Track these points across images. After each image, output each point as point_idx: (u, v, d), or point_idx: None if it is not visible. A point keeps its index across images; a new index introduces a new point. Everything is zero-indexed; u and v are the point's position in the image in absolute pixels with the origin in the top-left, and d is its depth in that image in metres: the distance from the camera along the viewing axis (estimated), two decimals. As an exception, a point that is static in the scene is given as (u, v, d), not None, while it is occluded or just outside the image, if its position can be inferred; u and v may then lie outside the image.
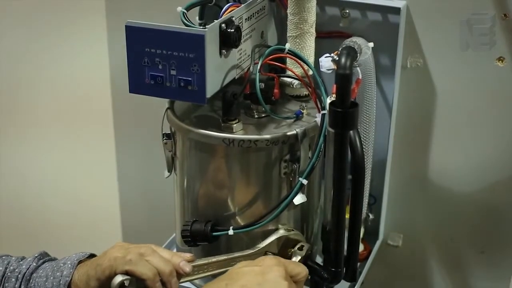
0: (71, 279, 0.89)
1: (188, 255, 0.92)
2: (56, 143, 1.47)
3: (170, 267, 0.88)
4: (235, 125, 0.97)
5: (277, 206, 0.96)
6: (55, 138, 1.47)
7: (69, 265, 0.91)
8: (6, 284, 0.91)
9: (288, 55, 0.99)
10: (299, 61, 0.99)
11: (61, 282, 0.89)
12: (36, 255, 0.95)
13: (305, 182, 0.95)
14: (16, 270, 0.92)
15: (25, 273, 0.92)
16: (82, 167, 1.52)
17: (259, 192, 1.00)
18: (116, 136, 1.46)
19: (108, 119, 1.45)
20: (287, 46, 0.99)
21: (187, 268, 0.90)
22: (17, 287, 0.91)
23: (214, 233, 0.99)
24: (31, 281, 0.91)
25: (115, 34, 1.34)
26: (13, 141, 1.42)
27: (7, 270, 0.92)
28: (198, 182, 1.02)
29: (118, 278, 0.87)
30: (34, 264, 0.93)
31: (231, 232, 0.97)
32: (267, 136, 0.95)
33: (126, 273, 0.87)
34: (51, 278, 0.90)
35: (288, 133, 0.96)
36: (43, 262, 0.94)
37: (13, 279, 0.91)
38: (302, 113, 1.01)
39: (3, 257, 0.94)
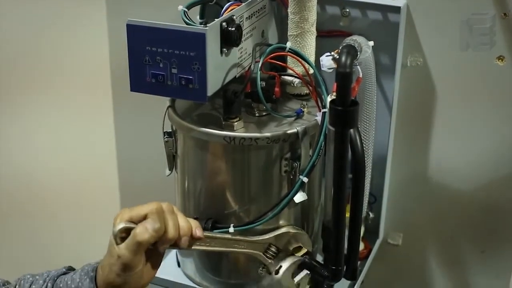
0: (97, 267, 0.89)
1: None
2: (56, 137, 1.47)
3: (188, 224, 0.88)
4: (236, 123, 0.97)
5: (278, 204, 0.96)
6: (54, 136, 1.47)
7: (98, 261, 0.90)
8: (34, 287, 0.91)
9: (289, 53, 0.99)
10: (300, 59, 0.99)
11: (88, 270, 0.89)
12: (66, 266, 0.95)
13: (305, 180, 0.95)
14: (45, 274, 0.93)
15: (53, 275, 0.92)
16: (82, 167, 1.52)
17: (259, 190, 1.00)
18: (117, 135, 1.47)
19: (109, 118, 1.45)
20: (288, 44, 0.99)
21: (199, 232, 0.89)
22: (43, 286, 0.91)
23: (215, 231, 0.99)
24: (57, 280, 0.91)
25: (116, 32, 1.34)
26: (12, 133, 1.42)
27: (37, 275, 0.93)
28: (199, 180, 1.02)
29: (120, 225, 0.84)
30: (64, 269, 0.94)
31: (231, 229, 0.98)
32: (268, 134, 0.96)
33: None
34: (79, 271, 0.91)
35: (289, 131, 0.96)
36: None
37: (41, 281, 0.91)
38: (303, 111, 1.01)
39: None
